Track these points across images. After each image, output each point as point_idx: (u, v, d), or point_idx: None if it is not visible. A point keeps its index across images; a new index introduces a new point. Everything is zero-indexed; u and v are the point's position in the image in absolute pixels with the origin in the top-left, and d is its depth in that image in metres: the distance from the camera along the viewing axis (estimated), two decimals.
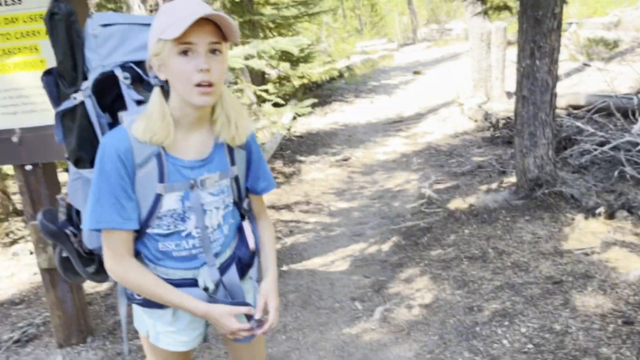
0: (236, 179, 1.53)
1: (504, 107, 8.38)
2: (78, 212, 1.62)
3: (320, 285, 3.78)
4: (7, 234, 5.49)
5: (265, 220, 1.68)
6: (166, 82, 1.36)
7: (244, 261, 1.62)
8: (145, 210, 1.40)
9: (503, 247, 3.86)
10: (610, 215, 3.97)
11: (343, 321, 3.26)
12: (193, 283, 1.49)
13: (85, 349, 3.18)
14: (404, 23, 33.30)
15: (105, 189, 1.34)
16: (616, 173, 4.65)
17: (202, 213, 1.45)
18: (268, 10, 10.49)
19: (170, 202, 1.41)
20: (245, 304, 1.51)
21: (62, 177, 3.66)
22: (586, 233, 3.83)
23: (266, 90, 6.82)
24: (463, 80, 11.62)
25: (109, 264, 1.42)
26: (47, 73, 1.54)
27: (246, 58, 5.11)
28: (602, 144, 5.23)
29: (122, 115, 1.42)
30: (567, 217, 4.11)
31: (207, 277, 1.50)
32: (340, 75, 12.96)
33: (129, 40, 1.47)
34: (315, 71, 11.26)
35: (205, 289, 1.50)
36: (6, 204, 5.74)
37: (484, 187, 5.31)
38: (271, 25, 9.89)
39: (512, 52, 10.83)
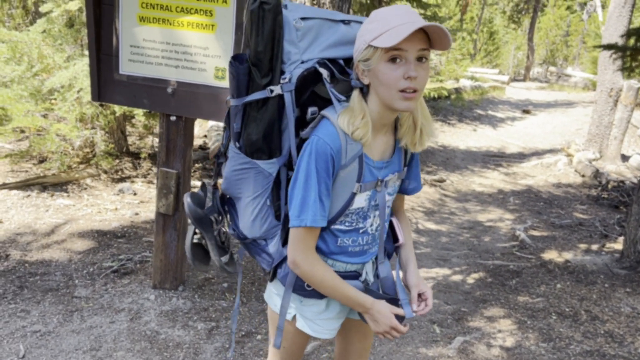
0: (402, 180, 1.61)
1: (616, 168, 7.96)
2: (222, 199, 1.65)
3: None
4: (116, 171, 5.90)
5: (405, 217, 1.73)
6: (367, 85, 1.39)
7: (389, 253, 1.68)
8: (338, 207, 1.45)
9: (597, 312, 3.70)
10: None
11: (420, 340, 3.25)
12: (355, 275, 1.55)
13: (176, 295, 3.37)
14: (518, 58, 32.31)
15: (314, 187, 1.36)
16: None
17: (383, 211, 1.53)
18: None
19: (361, 200, 1.46)
20: (396, 300, 1.54)
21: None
22: None
23: None
24: (574, 131, 11.14)
25: (298, 257, 1.42)
26: (239, 60, 1.46)
27: None
28: None
29: (325, 113, 1.42)
30: None
31: (370, 270, 1.59)
32: (448, 96, 12.79)
33: (322, 36, 1.45)
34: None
35: (364, 281, 1.56)
36: (122, 144, 6.17)
37: (582, 246, 5.08)
38: None
39: (638, 115, 10.21)
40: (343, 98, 1.43)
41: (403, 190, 1.66)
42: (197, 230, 1.70)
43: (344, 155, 1.38)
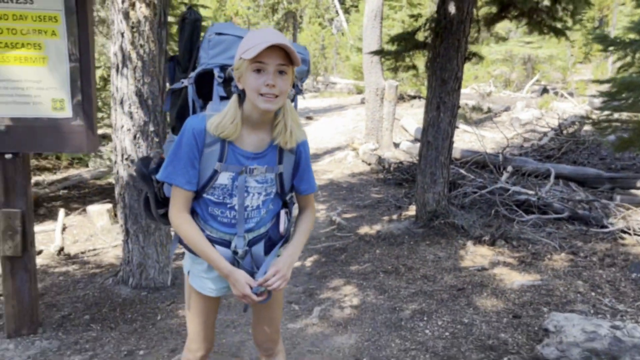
0: (280, 175, 1.86)
1: (392, 154, 9.46)
2: None
3: None
4: None
5: (309, 213, 1.98)
6: (243, 90, 1.73)
7: (273, 240, 1.93)
8: (204, 179, 1.78)
9: (411, 264, 4.58)
10: (492, 243, 4.90)
11: (285, 319, 3.67)
12: (227, 244, 1.86)
13: (38, 338, 3.23)
14: None
15: (178, 155, 1.73)
16: (493, 212, 5.68)
17: (245, 194, 1.83)
18: None
19: (224, 178, 1.78)
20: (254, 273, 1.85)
21: None
22: (476, 255, 4.69)
23: None
24: (353, 129, 12.74)
25: (171, 212, 1.79)
26: (171, 59, 1.95)
27: None
28: (480, 188, 6.31)
29: (208, 104, 1.82)
30: (460, 242, 4.98)
31: (241, 243, 1.84)
32: None
33: (232, 49, 1.83)
34: None
35: (235, 252, 1.85)
36: None
37: (386, 218, 6.08)
38: None
39: (399, 108, 12.05)
40: (224, 94, 1.82)
41: (297, 191, 1.94)
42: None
43: (207, 137, 1.72)
